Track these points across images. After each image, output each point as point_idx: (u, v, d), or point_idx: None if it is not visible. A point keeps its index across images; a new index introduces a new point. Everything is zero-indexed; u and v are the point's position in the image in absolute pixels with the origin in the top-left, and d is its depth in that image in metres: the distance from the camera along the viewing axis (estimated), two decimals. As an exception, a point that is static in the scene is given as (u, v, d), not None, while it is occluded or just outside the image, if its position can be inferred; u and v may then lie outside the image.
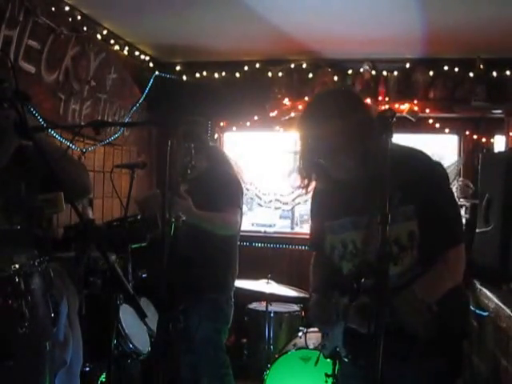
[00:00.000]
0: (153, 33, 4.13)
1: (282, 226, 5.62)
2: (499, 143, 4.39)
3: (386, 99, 4.40)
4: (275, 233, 5.15)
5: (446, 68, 4.32)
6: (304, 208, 5.28)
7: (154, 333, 3.10)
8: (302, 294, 3.76)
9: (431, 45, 4.04)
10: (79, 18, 3.49)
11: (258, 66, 4.65)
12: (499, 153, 4.20)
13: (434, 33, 3.75)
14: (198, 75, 4.75)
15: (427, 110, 4.37)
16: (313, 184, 1.86)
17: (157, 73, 4.62)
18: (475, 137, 4.45)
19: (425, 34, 3.79)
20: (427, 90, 4.37)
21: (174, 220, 2.04)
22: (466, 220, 4.16)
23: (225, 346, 3.04)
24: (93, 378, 2.90)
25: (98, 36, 3.80)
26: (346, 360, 1.85)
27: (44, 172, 1.56)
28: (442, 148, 4.94)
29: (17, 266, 1.60)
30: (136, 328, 3.07)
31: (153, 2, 3.39)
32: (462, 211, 4.18)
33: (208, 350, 2.94)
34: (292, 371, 3.24)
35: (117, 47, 4.08)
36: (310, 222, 2.10)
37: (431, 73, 4.35)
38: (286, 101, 4.57)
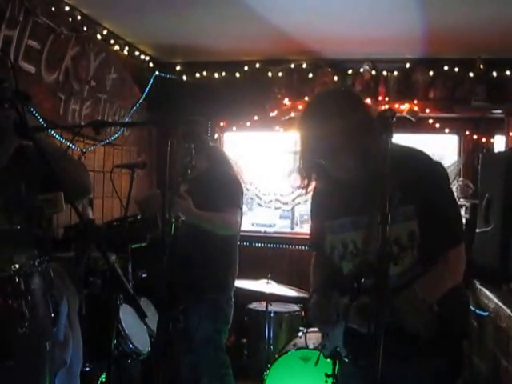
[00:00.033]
0: (153, 33, 4.13)
1: (282, 226, 5.62)
2: (499, 143, 4.39)
3: (386, 99, 4.40)
4: (275, 233, 5.15)
5: (445, 68, 4.32)
6: (304, 208, 5.28)
7: (153, 333, 3.10)
8: (301, 294, 3.76)
9: (431, 45, 4.04)
10: (79, 17, 3.49)
11: (258, 65, 4.65)
12: (499, 153, 4.20)
13: (434, 33, 3.75)
14: (198, 75, 4.75)
15: (427, 110, 4.37)
16: (313, 184, 1.86)
17: (157, 73, 4.62)
18: (475, 137, 4.45)
19: (425, 34, 3.79)
20: (427, 89, 4.37)
21: (173, 220, 2.04)
22: (466, 220, 4.16)
23: (225, 345, 3.04)
24: (93, 378, 2.90)
25: (98, 36, 3.79)
26: (346, 360, 1.85)
27: (44, 172, 1.56)
28: (442, 148, 4.94)
29: (17, 265, 1.60)
30: (136, 328, 3.07)
31: (153, 2, 3.39)
32: (462, 211, 4.18)
33: (208, 350, 2.94)
34: (292, 371, 3.24)
35: (117, 47, 4.08)
36: (309, 222, 2.10)
37: (431, 73, 4.35)
38: (286, 101, 4.57)
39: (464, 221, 4.04)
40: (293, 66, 4.60)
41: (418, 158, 1.77)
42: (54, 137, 3.27)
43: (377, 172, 1.42)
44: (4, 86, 1.56)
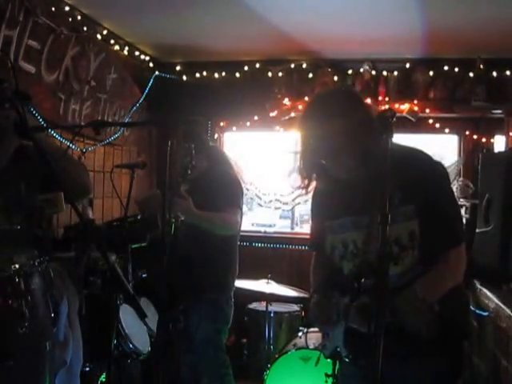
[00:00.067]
0: (153, 33, 4.13)
1: (282, 226, 5.62)
2: (499, 143, 4.39)
3: (386, 99, 4.40)
4: (275, 233, 5.15)
5: (446, 68, 4.32)
6: (304, 208, 5.28)
7: (153, 333, 3.10)
8: (302, 294, 3.76)
9: (431, 45, 4.04)
10: (79, 18, 3.49)
11: (258, 65, 4.65)
12: (499, 153, 4.20)
13: (434, 33, 3.75)
14: (198, 75, 4.75)
15: (427, 110, 4.37)
16: (313, 184, 1.86)
17: (157, 73, 4.62)
18: (475, 137, 4.45)
19: (425, 34, 3.79)
20: (427, 89, 4.37)
21: (173, 220, 2.04)
22: (466, 220, 4.16)
23: (225, 345, 3.04)
24: (93, 378, 2.90)
25: (98, 36, 3.79)
26: (346, 360, 1.85)
27: (44, 172, 1.56)
28: (442, 148, 4.94)
29: (17, 265, 1.60)
30: (136, 328, 3.07)
31: (153, 2, 3.39)
32: (462, 211, 4.18)
33: (208, 350, 2.94)
34: (292, 371, 3.24)
35: (117, 47, 4.08)
36: (310, 222, 2.09)
37: (431, 73, 4.35)
38: (286, 101, 4.57)
39: (464, 221, 4.04)
40: (293, 66, 4.60)
41: (419, 157, 1.77)
42: (54, 137, 3.27)
43: (377, 172, 1.42)
44: (4, 86, 1.56)
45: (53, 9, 3.14)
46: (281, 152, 5.08)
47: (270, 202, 4.95)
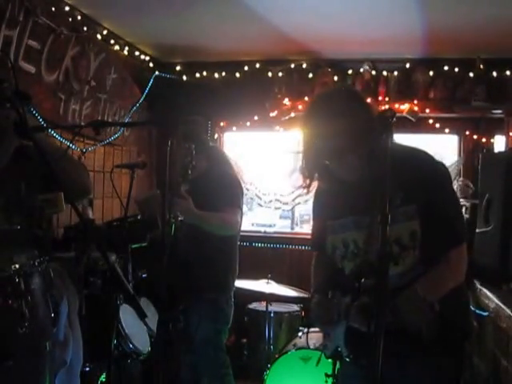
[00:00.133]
0: (153, 33, 4.13)
1: (282, 226, 5.61)
2: (499, 143, 4.39)
3: (386, 99, 4.40)
4: (275, 233, 5.15)
5: (446, 68, 4.32)
6: (304, 208, 5.28)
7: (153, 333, 3.10)
8: (302, 294, 3.76)
9: (431, 45, 4.04)
10: (79, 18, 3.49)
11: (258, 65, 4.65)
12: (499, 153, 4.20)
13: (434, 33, 3.75)
14: (198, 75, 4.75)
15: (427, 110, 4.37)
16: (314, 184, 1.86)
17: (157, 73, 4.62)
18: (475, 137, 4.45)
19: (425, 34, 3.79)
20: (427, 89, 4.38)
21: (173, 220, 2.04)
22: (466, 220, 4.15)
23: (225, 346, 3.04)
24: (93, 378, 2.90)
25: (98, 36, 3.80)
26: (347, 360, 1.85)
27: (44, 172, 1.56)
28: (442, 148, 4.94)
29: (17, 265, 1.60)
30: (136, 328, 3.07)
31: (153, 2, 3.39)
32: (462, 211, 4.18)
33: (208, 350, 2.93)
34: (292, 371, 3.23)
35: (117, 47, 4.08)
36: (311, 222, 2.09)
37: (431, 73, 4.35)
38: (286, 101, 4.57)
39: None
40: (293, 66, 4.60)
41: (420, 157, 1.76)
42: (54, 137, 3.27)
43: (380, 172, 1.42)
44: (4, 86, 1.56)
45: (53, 9, 3.14)
46: (281, 152, 5.08)
47: (270, 201, 4.95)
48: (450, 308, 1.65)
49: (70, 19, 3.35)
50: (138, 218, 3.42)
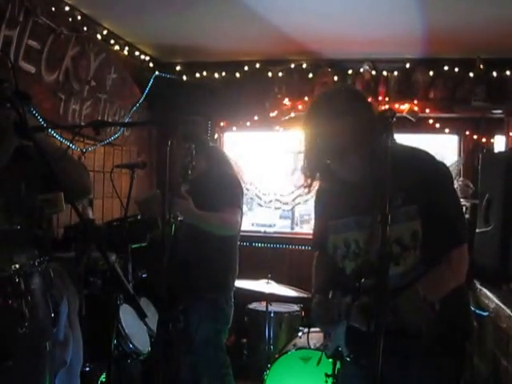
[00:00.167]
0: (153, 33, 4.13)
1: (282, 226, 5.61)
2: (499, 143, 4.39)
3: (386, 99, 4.40)
4: (275, 233, 5.15)
5: (446, 68, 4.32)
6: (304, 208, 5.28)
7: (153, 333, 3.10)
8: (301, 294, 3.76)
9: (431, 45, 4.04)
10: (79, 18, 3.49)
11: (258, 65, 4.65)
12: (499, 153, 4.20)
13: (434, 33, 3.75)
14: (198, 75, 4.75)
15: (427, 110, 4.37)
16: (316, 183, 1.86)
17: (157, 73, 4.62)
18: (475, 137, 4.45)
19: (425, 34, 3.79)
20: (427, 90, 4.38)
21: (172, 220, 2.04)
22: (466, 220, 4.16)
23: (225, 346, 3.04)
24: (93, 378, 2.90)
25: (98, 36, 3.80)
26: (348, 359, 1.85)
27: (44, 172, 1.56)
28: (442, 148, 4.94)
29: (17, 265, 1.60)
30: (136, 328, 3.08)
31: (153, 2, 3.39)
32: (464, 211, 4.18)
33: (208, 350, 2.93)
34: (292, 371, 3.23)
35: (117, 47, 4.08)
36: (313, 221, 2.08)
37: (431, 73, 4.35)
38: (286, 101, 4.57)
39: (464, 221, 4.03)
40: (293, 66, 4.60)
41: (422, 157, 1.76)
42: (54, 137, 3.27)
43: (381, 172, 1.42)
44: (4, 86, 1.56)
45: (53, 9, 3.14)
46: (281, 152, 5.08)
47: (270, 201, 4.95)
48: (451, 308, 1.65)
49: (70, 19, 3.35)
50: (138, 218, 3.42)
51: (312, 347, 3.17)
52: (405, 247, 1.68)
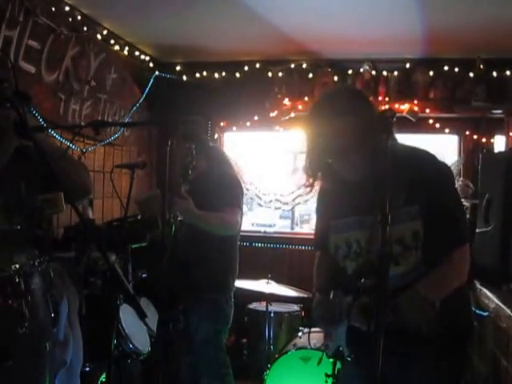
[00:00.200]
0: (153, 33, 4.13)
1: (282, 226, 5.61)
2: (499, 143, 4.39)
3: (386, 99, 4.40)
4: (275, 233, 5.15)
5: (446, 68, 4.32)
6: (304, 208, 5.28)
7: (153, 333, 3.10)
8: (301, 294, 3.76)
9: (431, 45, 4.04)
10: (79, 18, 3.49)
11: (258, 66, 4.65)
12: (499, 153, 4.20)
13: (434, 33, 3.75)
14: (198, 75, 4.75)
15: (427, 110, 4.37)
16: (317, 183, 1.86)
17: (157, 73, 4.62)
18: (475, 137, 4.45)
19: (425, 34, 3.79)
20: (427, 90, 4.38)
21: (173, 220, 2.04)
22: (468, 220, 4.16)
23: (225, 346, 3.04)
24: (93, 378, 2.90)
25: (98, 36, 3.80)
26: (348, 359, 1.85)
27: (44, 172, 1.56)
28: (442, 148, 4.94)
29: (17, 265, 1.60)
30: (136, 328, 3.07)
31: (153, 2, 3.39)
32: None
33: (208, 350, 2.93)
34: (292, 371, 3.23)
35: (117, 47, 4.08)
36: (315, 221, 2.09)
37: (431, 73, 4.35)
38: (286, 101, 4.57)
39: (464, 221, 4.03)
40: (293, 66, 4.60)
41: (423, 157, 1.76)
42: (54, 137, 3.27)
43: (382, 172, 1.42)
44: (4, 86, 1.56)
45: (53, 9, 3.14)
46: (281, 152, 5.08)
47: (270, 201, 4.95)
48: (451, 308, 1.64)
49: (70, 19, 3.35)
50: (138, 217, 3.42)
51: (311, 347, 3.18)
52: (406, 247, 1.68)
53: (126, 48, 4.25)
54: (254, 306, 4.12)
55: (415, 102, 4.35)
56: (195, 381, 3.04)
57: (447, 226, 1.68)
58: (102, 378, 2.94)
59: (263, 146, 5.22)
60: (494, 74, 4.21)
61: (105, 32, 3.88)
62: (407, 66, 4.41)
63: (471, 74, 4.23)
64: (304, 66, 4.58)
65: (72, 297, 2.18)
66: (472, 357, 3.22)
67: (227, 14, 3.59)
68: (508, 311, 2.55)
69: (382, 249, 1.35)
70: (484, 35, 3.74)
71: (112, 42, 4.01)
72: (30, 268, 1.65)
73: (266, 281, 3.72)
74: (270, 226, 5.46)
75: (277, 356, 3.34)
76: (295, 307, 4.06)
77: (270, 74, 4.63)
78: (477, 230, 3.33)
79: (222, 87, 4.68)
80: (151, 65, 4.66)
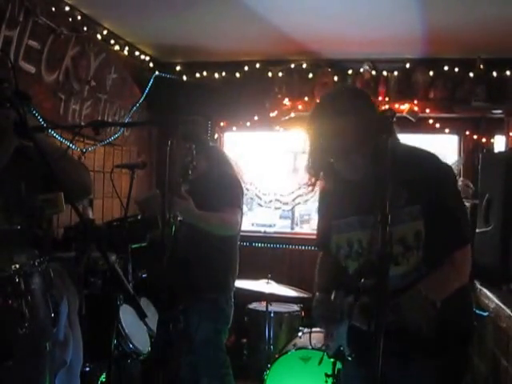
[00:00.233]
0: (153, 33, 4.13)
1: (282, 226, 5.61)
2: (499, 143, 4.40)
3: (386, 99, 4.40)
4: (275, 233, 5.15)
5: (446, 68, 4.32)
6: (304, 208, 5.28)
7: (153, 333, 3.10)
8: (302, 294, 3.76)
9: (431, 45, 4.04)
10: (79, 18, 3.49)
11: (258, 66, 4.65)
12: (499, 153, 4.20)
13: (434, 33, 3.75)
14: (198, 75, 4.75)
15: (427, 110, 4.37)
16: (319, 182, 1.86)
17: (157, 73, 4.62)
18: (475, 137, 4.45)
19: (425, 34, 3.79)
20: (427, 90, 4.38)
21: (173, 220, 2.04)
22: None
23: (225, 346, 3.04)
24: (93, 378, 2.90)
25: (98, 36, 3.80)
26: (349, 359, 1.85)
27: (44, 172, 1.56)
28: (442, 148, 4.94)
29: (17, 265, 1.60)
30: (136, 328, 3.07)
31: (153, 2, 3.39)
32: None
33: (208, 350, 2.93)
34: (292, 371, 3.24)
35: (117, 47, 4.08)
36: (317, 221, 2.09)
37: (431, 73, 4.35)
38: (286, 101, 4.57)
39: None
40: (293, 66, 4.60)
41: (424, 157, 1.76)
42: (54, 137, 3.27)
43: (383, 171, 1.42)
44: (4, 86, 1.56)
45: (53, 9, 3.14)
46: (281, 152, 5.08)
47: (270, 201, 4.95)
48: (452, 308, 1.64)
49: (70, 19, 3.35)
50: (138, 218, 3.42)
51: (311, 347, 3.18)
52: (408, 247, 1.68)
53: (126, 48, 4.25)
54: (254, 305, 4.12)
55: (415, 102, 4.35)
56: (195, 381, 3.04)
57: (449, 226, 1.68)
58: (102, 378, 2.94)
59: (263, 146, 5.22)
60: (494, 74, 4.21)
61: (105, 32, 3.88)
62: (407, 66, 4.41)
63: (471, 74, 4.23)
64: (304, 66, 4.58)
65: (72, 297, 2.18)
66: (472, 357, 3.22)
67: (227, 14, 3.59)
68: (508, 311, 2.55)
69: (382, 249, 1.35)
70: (484, 35, 3.74)
71: (112, 42, 4.01)
72: (29, 268, 1.65)
73: (266, 281, 3.72)
74: (270, 225, 5.46)
75: (277, 356, 3.34)
76: (295, 307, 4.06)
77: (270, 74, 4.63)
78: (477, 230, 3.33)
79: (222, 87, 4.68)
80: (151, 65, 4.66)
